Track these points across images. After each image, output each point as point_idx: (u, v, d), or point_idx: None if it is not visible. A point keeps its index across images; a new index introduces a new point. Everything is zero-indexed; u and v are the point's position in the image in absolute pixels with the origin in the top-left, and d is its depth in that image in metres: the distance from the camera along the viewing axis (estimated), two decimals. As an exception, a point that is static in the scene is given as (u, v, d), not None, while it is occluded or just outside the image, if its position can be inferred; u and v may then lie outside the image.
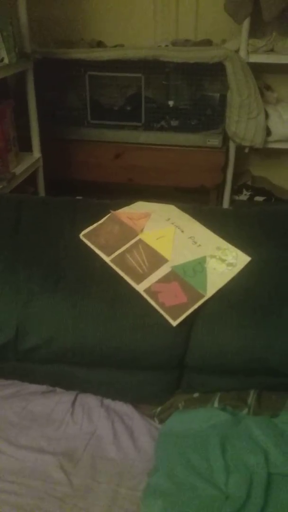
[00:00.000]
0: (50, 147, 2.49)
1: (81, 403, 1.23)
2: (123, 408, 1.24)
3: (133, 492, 1.03)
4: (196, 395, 1.24)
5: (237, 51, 2.34)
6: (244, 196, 2.72)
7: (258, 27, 2.35)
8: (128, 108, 2.54)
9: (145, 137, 2.54)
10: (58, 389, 1.28)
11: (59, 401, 1.23)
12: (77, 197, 2.57)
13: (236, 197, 2.73)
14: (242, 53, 2.33)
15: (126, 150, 2.56)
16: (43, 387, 1.28)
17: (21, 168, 2.24)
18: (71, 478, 1.05)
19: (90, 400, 1.24)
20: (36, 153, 2.42)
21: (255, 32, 2.36)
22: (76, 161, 2.62)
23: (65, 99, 2.56)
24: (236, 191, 2.73)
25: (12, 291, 1.22)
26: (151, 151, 2.54)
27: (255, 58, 2.35)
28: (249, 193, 2.71)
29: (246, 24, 2.29)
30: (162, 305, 1.19)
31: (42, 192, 2.50)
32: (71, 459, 1.10)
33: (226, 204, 2.68)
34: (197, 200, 2.56)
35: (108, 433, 1.16)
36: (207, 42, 2.54)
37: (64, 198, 1.46)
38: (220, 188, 2.66)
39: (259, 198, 2.71)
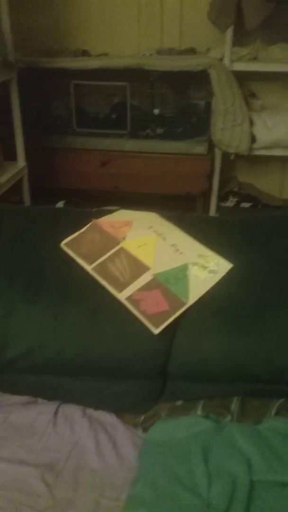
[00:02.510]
0: (36, 155, 2.48)
1: (64, 413, 1.22)
2: (106, 417, 1.23)
3: (115, 503, 1.02)
4: (179, 403, 1.24)
5: (221, 59, 2.36)
6: (231, 202, 2.73)
7: (242, 35, 2.38)
8: (114, 116, 2.55)
9: (130, 145, 2.55)
10: (40, 400, 1.27)
11: (40, 412, 1.22)
12: (60, 202, 2.59)
13: (223, 204, 2.74)
14: (226, 61, 2.35)
15: (112, 158, 2.56)
16: (25, 398, 1.26)
17: (5, 177, 2.24)
18: (52, 490, 1.04)
19: (73, 410, 1.23)
20: (21, 161, 2.42)
21: (238, 40, 2.38)
22: (62, 169, 2.62)
23: (51, 107, 2.57)
24: (222, 197, 2.74)
25: (-8, 301, 1.21)
26: (137, 159, 2.55)
27: (239, 66, 2.37)
28: (235, 199, 2.73)
29: (229, 32, 2.31)
30: (143, 313, 1.19)
31: (27, 200, 2.49)
32: (53, 471, 1.08)
33: (212, 210, 2.69)
34: (184, 207, 2.57)
35: (91, 443, 1.15)
36: (191, 51, 2.57)
37: (45, 207, 1.46)
38: (207, 195, 2.67)
39: (245, 205, 2.72)
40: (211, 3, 2.32)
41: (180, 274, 1.26)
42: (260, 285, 1.25)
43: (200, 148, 2.52)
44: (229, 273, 1.26)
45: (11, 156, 2.38)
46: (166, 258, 1.29)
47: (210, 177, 2.59)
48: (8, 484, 1.05)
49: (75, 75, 2.43)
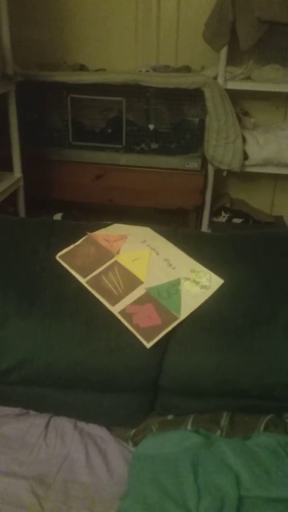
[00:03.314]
0: (32, 167, 2.51)
1: (55, 426, 1.22)
2: (97, 431, 1.23)
3: (104, 517, 1.02)
4: (170, 417, 1.25)
5: (215, 78, 2.41)
6: (223, 218, 2.77)
7: (236, 55, 2.44)
8: (109, 131, 2.59)
9: (125, 159, 2.58)
10: (31, 412, 1.27)
11: (32, 424, 1.22)
12: (58, 214, 2.61)
13: (215, 219, 2.77)
14: (220, 80, 2.40)
15: (107, 172, 2.59)
16: (16, 410, 1.26)
17: (1, 187, 2.25)
18: (42, 502, 1.04)
19: (64, 423, 1.23)
20: (17, 173, 2.44)
21: (232, 60, 2.44)
22: (57, 181, 2.64)
23: (47, 120, 2.60)
24: (215, 213, 2.77)
25: (-14, 313, 1.21)
26: (131, 172, 2.58)
27: (232, 85, 2.42)
28: (227, 215, 2.76)
29: (224, 52, 2.37)
30: (136, 326, 1.20)
31: (22, 211, 2.51)
32: (43, 483, 1.08)
33: (205, 225, 2.72)
34: (177, 221, 2.60)
35: (81, 456, 1.15)
36: (187, 69, 2.62)
37: (40, 219, 1.47)
38: (199, 210, 2.71)
39: (237, 220, 2.76)
40: (206, 24, 2.38)
41: (173, 289, 1.28)
42: (251, 301, 1.27)
43: (193, 164, 2.56)
44: (221, 288, 1.27)
45: (7, 167, 2.40)
46: (159, 273, 1.31)
47: (203, 192, 2.63)
48: (-2, 496, 1.05)
49: (72, 89, 2.47)
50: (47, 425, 1.22)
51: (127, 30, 2.67)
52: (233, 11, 2.23)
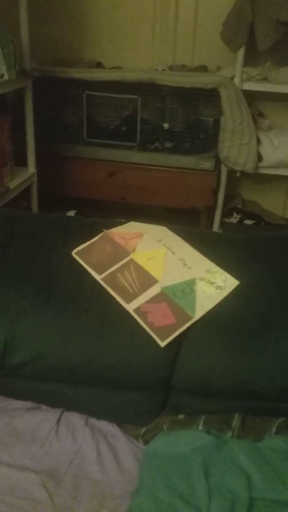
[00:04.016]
0: (45, 162, 2.51)
1: (66, 421, 1.23)
2: (108, 427, 1.24)
3: (115, 514, 1.03)
4: (181, 416, 1.25)
5: (231, 78, 2.40)
6: (234, 219, 2.76)
7: (253, 56, 2.42)
8: (124, 128, 2.59)
9: (139, 157, 2.58)
10: (43, 406, 1.28)
11: (44, 419, 1.22)
12: (71, 211, 2.61)
13: (227, 220, 2.77)
14: (237, 81, 2.39)
15: (120, 169, 2.59)
16: (28, 404, 1.27)
17: (15, 182, 2.26)
18: (53, 497, 1.05)
19: (75, 419, 1.24)
20: (31, 168, 2.45)
21: (249, 60, 2.43)
22: (70, 178, 2.64)
23: (62, 116, 2.60)
24: (226, 213, 2.77)
25: (1, 307, 1.22)
26: (144, 171, 2.58)
27: (249, 86, 2.41)
28: (239, 216, 2.75)
29: (241, 52, 2.36)
30: (151, 325, 1.20)
31: (35, 207, 2.51)
32: (54, 478, 1.09)
33: (216, 226, 2.72)
34: (188, 221, 2.60)
35: (92, 452, 1.16)
36: (203, 68, 2.61)
37: (57, 215, 1.48)
38: (211, 210, 2.70)
39: (248, 222, 2.75)
40: (224, 23, 2.37)
41: (188, 288, 1.28)
42: (265, 303, 1.26)
43: (206, 164, 2.55)
44: (236, 290, 1.27)
45: (22, 162, 2.41)
46: (174, 272, 1.31)
47: (215, 192, 2.62)
48: (9, 489, 1.06)
49: (88, 86, 2.47)
50: (58, 420, 1.23)
51: (144, 28, 2.66)
52: (251, 11, 2.23)
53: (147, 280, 1.28)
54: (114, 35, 2.69)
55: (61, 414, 1.25)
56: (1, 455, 1.13)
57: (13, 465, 1.11)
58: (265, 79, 2.47)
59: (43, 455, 1.14)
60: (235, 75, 2.40)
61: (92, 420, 1.25)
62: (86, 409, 1.27)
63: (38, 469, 1.11)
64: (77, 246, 1.34)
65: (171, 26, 2.66)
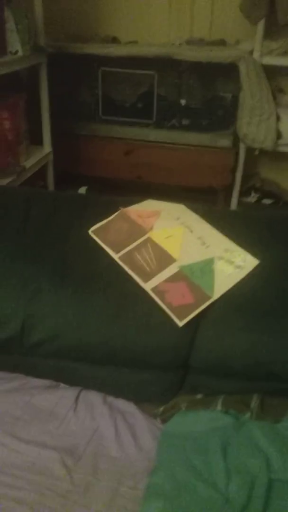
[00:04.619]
0: (61, 141, 2.49)
1: (84, 399, 1.23)
2: (126, 406, 1.24)
3: (133, 491, 1.03)
4: (199, 396, 1.24)
5: (251, 52, 2.33)
6: (252, 198, 2.72)
7: (273, 29, 2.34)
8: (140, 105, 2.54)
9: (155, 135, 2.54)
10: (62, 384, 1.28)
11: (62, 396, 1.23)
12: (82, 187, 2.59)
13: (244, 199, 2.72)
14: (256, 55, 2.32)
15: (136, 148, 2.56)
16: (47, 382, 1.28)
17: (31, 161, 2.25)
18: (72, 474, 1.05)
19: (93, 397, 1.24)
20: (47, 147, 2.42)
21: (270, 34, 2.35)
22: (86, 157, 2.61)
23: (77, 94, 2.56)
24: (244, 192, 2.72)
25: (19, 286, 1.22)
26: (161, 149, 2.54)
27: (268, 60, 2.34)
28: (257, 195, 2.71)
29: (261, 25, 2.28)
30: (169, 304, 1.19)
31: (51, 186, 2.50)
32: (73, 455, 1.10)
33: (234, 205, 2.67)
34: (205, 200, 2.55)
35: (110, 430, 1.16)
36: (221, 42, 2.54)
37: (73, 193, 1.46)
38: (229, 189, 2.65)
39: (267, 201, 2.70)
40: (244, -5, 2.29)
41: (206, 267, 1.26)
42: (285, 283, 1.24)
43: (224, 142, 2.50)
44: (255, 269, 1.25)
45: (37, 141, 2.38)
46: (192, 251, 1.28)
47: (233, 171, 2.57)
48: (29, 466, 1.07)
49: (104, 62, 2.42)
50: (77, 398, 1.23)
51: (160, 1, 2.58)
52: (273, -19, 2.14)
53: (165, 259, 1.26)
54: (129, 9, 2.61)
55: (79, 392, 1.25)
56: (20, 432, 1.14)
57: (32, 442, 1.12)
58: (285, 53, 2.39)
59: (61, 432, 1.15)
60: (254, 49, 2.33)
61: (110, 399, 1.25)
62: (104, 388, 1.27)
63: (57, 446, 1.11)
64: (94, 224, 1.32)
65: (189, -2, 2.58)
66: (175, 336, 1.19)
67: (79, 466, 1.07)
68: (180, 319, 1.17)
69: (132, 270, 1.24)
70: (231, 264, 1.26)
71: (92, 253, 1.28)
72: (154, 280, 1.23)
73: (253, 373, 1.21)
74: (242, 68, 2.30)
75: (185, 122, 2.51)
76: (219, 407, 1.19)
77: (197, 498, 0.98)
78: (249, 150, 2.53)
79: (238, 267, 1.25)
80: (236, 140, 2.51)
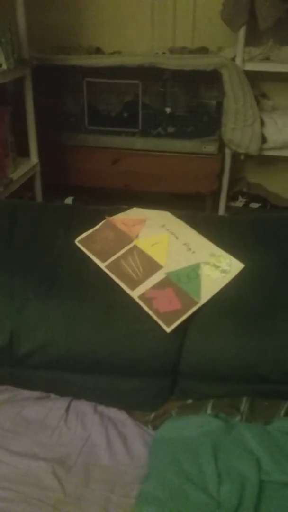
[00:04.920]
0: (48, 152, 2.50)
1: (75, 409, 1.23)
2: (117, 414, 1.24)
3: (125, 499, 1.03)
4: (189, 401, 1.25)
5: (233, 59, 2.36)
6: (240, 202, 2.74)
7: (254, 35, 2.37)
8: (125, 115, 2.56)
9: (141, 143, 2.56)
10: (52, 395, 1.28)
11: (53, 407, 1.23)
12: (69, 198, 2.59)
13: (232, 204, 2.74)
14: (238, 61, 2.35)
15: (123, 156, 2.57)
16: (37, 393, 1.28)
17: (18, 173, 2.25)
18: (64, 484, 1.05)
19: (84, 407, 1.24)
20: (34, 158, 2.43)
21: (251, 40, 2.38)
22: (73, 167, 2.63)
23: (63, 105, 2.58)
24: (231, 197, 2.74)
25: (6, 297, 1.22)
26: (147, 157, 2.56)
27: (251, 66, 2.37)
28: (244, 199, 2.73)
29: (242, 32, 2.31)
30: (156, 311, 1.20)
31: (39, 197, 2.50)
32: (64, 465, 1.09)
33: (221, 210, 2.69)
34: (193, 206, 2.57)
35: (102, 439, 1.16)
36: (204, 50, 2.56)
37: (59, 204, 1.47)
38: (216, 194, 2.68)
39: (254, 205, 2.73)
40: (224, 3, 2.32)
41: (192, 273, 1.27)
42: (271, 286, 1.25)
43: (210, 148, 2.52)
44: (241, 273, 1.26)
45: (24, 153, 2.39)
46: (178, 257, 1.29)
47: (219, 176, 2.60)
48: (20, 477, 1.06)
49: (88, 72, 2.44)
50: (67, 408, 1.23)
51: (143, 11, 2.61)
52: (252, -11, 2.18)
53: (151, 266, 1.27)
54: (112, 19, 2.64)
55: (70, 402, 1.25)
56: (11, 444, 1.14)
57: (23, 453, 1.11)
58: (267, 59, 2.42)
59: (53, 443, 1.15)
60: (236, 55, 2.36)
61: (101, 408, 1.25)
62: (95, 397, 1.27)
63: (48, 457, 1.11)
64: (80, 234, 1.33)
65: (170, 7, 2.61)
66: (164, 342, 1.20)
67: (70, 476, 1.07)
68: (168, 325, 1.18)
69: (119, 278, 1.25)
70: (217, 269, 1.27)
71: (79, 262, 1.29)
72: (141, 288, 1.24)
73: (242, 376, 1.22)
74: (225, 74, 2.33)
75: (170, 129, 2.53)
76: (209, 411, 1.19)
77: (189, 503, 0.98)
78: (235, 155, 2.56)
79: (224, 271, 1.26)
80: (221, 145, 2.53)
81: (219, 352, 1.19)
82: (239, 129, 2.41)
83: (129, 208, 1.44)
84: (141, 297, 1.22)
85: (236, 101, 2.36)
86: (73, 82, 2.49)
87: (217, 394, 1.24)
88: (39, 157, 2.45)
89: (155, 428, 1.21)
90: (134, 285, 1.24)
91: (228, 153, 2.55)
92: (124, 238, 1.33)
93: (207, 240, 1.32)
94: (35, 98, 2.33)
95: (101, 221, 1.37)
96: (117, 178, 2.61)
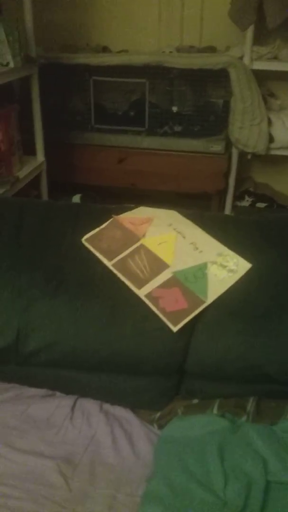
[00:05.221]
0: (54, 151, 2.50)
1: (81, 407, 1.23)
2: (122, 413, 1.24)
3: (131, 498, 1.03)
4: (195, 401, 1.24)
5: (241, 58, 2.35)
6: (246, 202, 2.73)
7: (262, 34, 2.37)
8: (132, 113, 2.56)
9: (148, 142, 2.55)
10: (58, 393, 1.28)
11: (58, 405, 1.23)
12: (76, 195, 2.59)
13: (238, 203, 2.73)
14: (246, 60, 2.34)
15: (129, 155, 2.57)
16: (43, 391, 1.28)
17: (24, 171, 2.26)
18: (69, 482, 1.05)
19: (90, 405, 1.24)
20: (40, 156, 2.44)
21: (259, 39, 2.37)
22: (79, 165, 2.63)
23: (70, 103, 2.58)
24: (238, 197, 2.73)
25: (13, 295, 1.22)
26: (154, 156, 2.56)
27: (258, 65, 2.36)
28: (251, 199, 2.72)
29: (250, 31, 2.30)
30: (162, 310, 1.19)
31: (45, 195, 2.51)
32: (70, 463, 1.10)
33: (228, 210, 2.69)
34: (199, 205, 2.57)
35: (107, 438, 1.16)
36: (211, 49, 2.56)
37: (66, 202, 1.47)
38: (222, 194, 2.67)
39: (260, 205, 2.72)
40: (232, 2, 2.31)
41: (199, 272, 1.26)
42: (278, 286, 1.24)
43: (217, 147, 2.51)
44: (248, 273, 1.25)
45: (30, 151, 2.40)
46: (185, 256, 1.29)
47: (226, 176, 2.59)
48: (26, 475, 1.07)
49: (95, 71, 2.44)
50: (73, 407, 1.23)
51: (150, 9, 2.61)
52: (260, -12, 2.17)
53: (158, 265, 1.27)
54: (119, 18, 2.64)
55: (75, 401, 1.25)
56: (17, 442, 1.14)
57: (29, 451, 1.12)
58: (275, 58, 2.42)
59: (58, 441, 1.15)
60: (244, 54, 2.36)
61: (107, 406, 1.25)
62: (100, 395, 1.27)
63: (54, 455, 1.11)
64: (87, 232, 1.33)
65: (178, 5, 2.60)
66: (170, 342, 1.19)
67: (76, 474, 1.07)
68: (174, 324, 1.18)
69: (126, 277, 1.25)
70: (224, 269, 1.26)
71: (85, 261, 1.29)
72: (147, 287, 1.23)
73: (249, 376, 1.21)
74: (233, 73, 2.32)
75: (177, 128, 2.53)
76: (215, 411, 1.19)
77: (195, 502, 0.98)
78: (242, 155, 2.55)
79: (231, 271, 1.26)
80: (228, 145, 2.53)
81: (225, 351, 1.19)
82: (246, 128, 2.40)
83: (136, 207, 1.44)
84: (148, 296, 1.21)
85: (243, 100, 2.35)
86: (79, 80, 2.49)
87: (223, 393, 1.23)
88: (46, 156, 2.45)
89: (160, 427, 1.21)
90: (140, 284, 1.23)
91: (235, 153, 2.55)
92: (131, 237, 1.33)
93: (214, 240, 1.32)
94: (42, 96, 2.33)
95: (108, 220, 1.37)
96: (124, 177, 2.61)
